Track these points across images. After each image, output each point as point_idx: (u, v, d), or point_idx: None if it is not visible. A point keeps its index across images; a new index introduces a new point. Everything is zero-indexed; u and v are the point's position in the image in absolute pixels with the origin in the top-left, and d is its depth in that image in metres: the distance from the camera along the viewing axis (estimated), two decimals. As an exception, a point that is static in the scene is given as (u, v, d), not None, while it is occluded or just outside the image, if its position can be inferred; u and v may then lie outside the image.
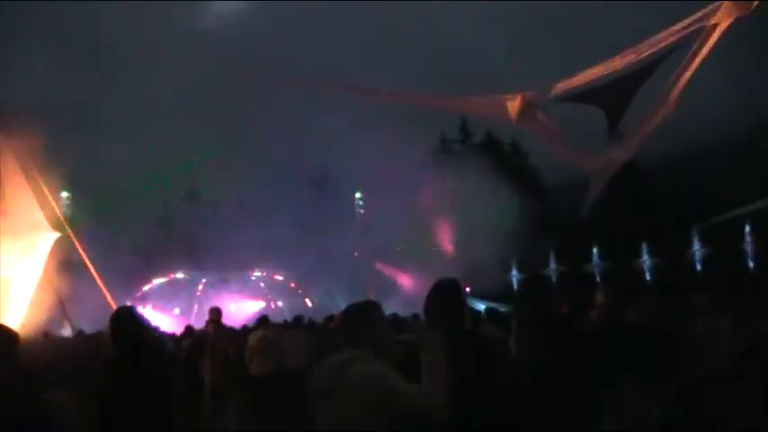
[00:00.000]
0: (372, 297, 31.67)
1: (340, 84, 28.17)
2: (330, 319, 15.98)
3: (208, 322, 11.74)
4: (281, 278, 35.82)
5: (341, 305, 26.50)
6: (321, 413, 3.86)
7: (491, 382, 4.45)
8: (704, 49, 16.76)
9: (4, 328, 5.71)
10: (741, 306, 6.92)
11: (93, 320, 18.49)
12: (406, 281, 32.16)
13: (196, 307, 32.61)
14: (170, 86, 33.86)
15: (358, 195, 38.21)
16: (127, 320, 5.50)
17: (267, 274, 36.13)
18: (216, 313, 11.75)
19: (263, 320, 14.01)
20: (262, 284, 36.09)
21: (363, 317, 4.12)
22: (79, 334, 15.62)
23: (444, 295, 4.80)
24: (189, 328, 15.76)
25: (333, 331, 12.53)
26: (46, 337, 14.04)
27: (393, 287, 31.87)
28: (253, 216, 34.45)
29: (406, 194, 31.32)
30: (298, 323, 16.32)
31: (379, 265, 34.29)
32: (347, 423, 3.66)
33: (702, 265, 34.46)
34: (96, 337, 13.12)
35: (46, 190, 16.48)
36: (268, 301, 34.89)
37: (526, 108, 18.93)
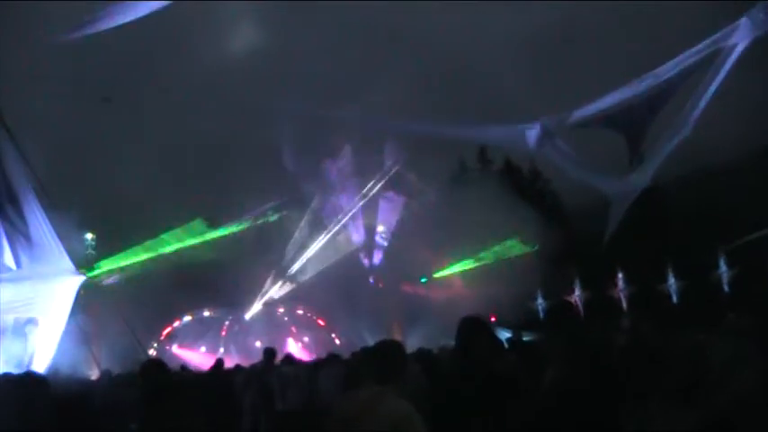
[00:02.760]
0: (398, 328, 31.80)
1: (366, 114, 28.25)
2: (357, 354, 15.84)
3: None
4: (306, 313, 35.75)
5: (367, 339, 26.50)
6: None
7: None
8: (722, 71, 16.75)
9: (34, 374, 5.77)
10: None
11: (120, 361, 18.58)
12: (435, 301, 32.03)
13: (222, 344, 32.62)
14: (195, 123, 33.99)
15: (381, 228, 38.19)
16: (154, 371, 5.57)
17: (292, 309, 36.08)
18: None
19: (286, 359, 14.05)
20: (286, 319, 36.02)
21: (392, 355, 4.22)
22: (105, 374, 15.68)
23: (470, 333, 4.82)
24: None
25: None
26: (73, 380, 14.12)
27: (421, 311, 31.68)
28: (272, 248, 34.57)
29: (428, 223, 31.34)
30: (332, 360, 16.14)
31: (406, 287, 34.26)
32: None
33: (730, 287, 34.11)
34: (122, 378, 13.19)
35: (70, 233, 16.65)
36: (294, 337, 34.80)
37: (546, 135, 18.97)
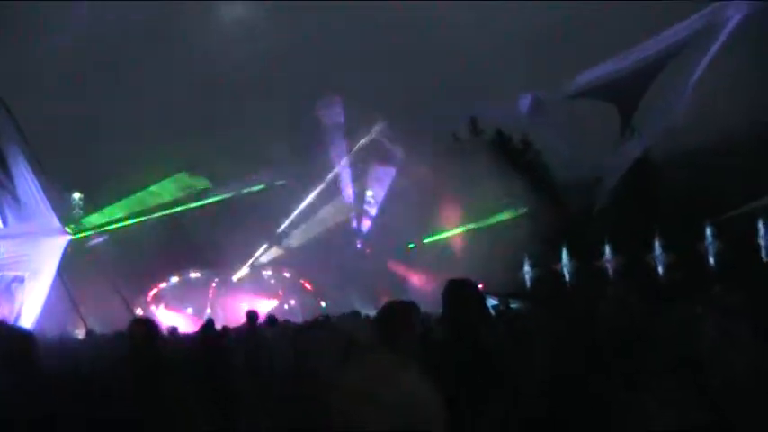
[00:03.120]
0: (386, 295, 31.87)
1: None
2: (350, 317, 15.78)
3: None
4: (293, 276, 35.78)
5: (355, 304, 26.57)
6: (348, 416, 3.62)
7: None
8: (716, 44, 16.71)
9: (19, 328, 5.73)
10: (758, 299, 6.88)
11: (106, 321, 18.57)
12: (417, 280, 32.12)
13: (209, 306, 32.67)
14: (185, 83, 33.85)
15: (369, 193, 38.11)
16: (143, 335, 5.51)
17: (279, 271, 36.11)
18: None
19: (269, 320, 13.98)
20: (273, 282, 36.07)
21: (404, 317, 3.98)
22: (89, 334, 15.69)
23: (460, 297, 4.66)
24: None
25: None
26: (61, 339, 14.11)
27: (404, 285, 31.84)
28: (263, 214, 34.51)
29: (417, 191, 31.32)
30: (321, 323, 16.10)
31: (391, 264, 34.29)
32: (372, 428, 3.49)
33: (716, 260, 34.26)
34: (110, 338, 13.16)
35: (58, 192, 16.57)
36: (281, 300, 34.86)
37: (537, 105, 18.93)
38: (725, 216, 32.05)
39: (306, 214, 34.85)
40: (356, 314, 15.05)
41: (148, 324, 5.73)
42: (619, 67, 17.49)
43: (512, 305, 16.04)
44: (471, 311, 4.61)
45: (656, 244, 36.44)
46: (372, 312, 23.94)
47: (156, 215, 28.89)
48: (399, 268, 34.20)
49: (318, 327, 14.98)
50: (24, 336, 5.17)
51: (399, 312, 4.04)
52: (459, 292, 4.69)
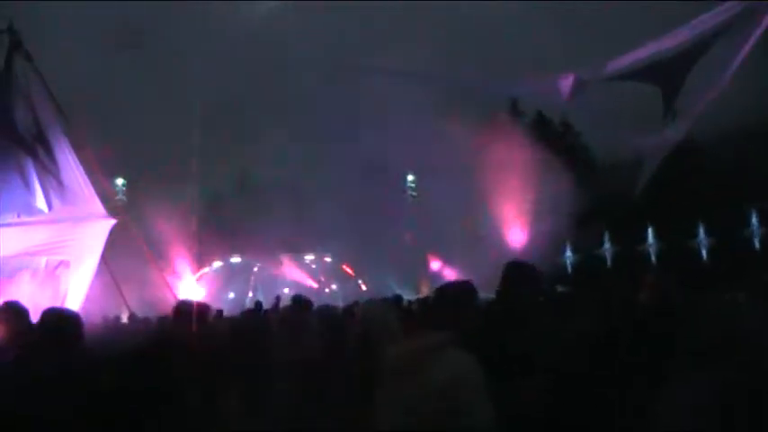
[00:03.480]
0: (426, 283, 31.87)
1: (393, 68, 28.03)
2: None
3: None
4: (333, 261, 35.95)
5: (394, 289, 26.61)
6: (388, 391, 3.68)
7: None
8: (762, 25, 16.36)
9: (67, 311, 5.83)
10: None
11: (149, 305, 18.81)
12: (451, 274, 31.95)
13: (251, 291, 32.96)
14: (224, 72, 34.05)
15: (410, 178, 38.09)
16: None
17: (320, 257, 36.31)
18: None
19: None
20: (314, 267, 36.28)
21: (459, 299, 3.96)
22: (132, 318, 15.92)
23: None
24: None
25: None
26: (105, 322, 14.32)
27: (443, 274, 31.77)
28: (305, 200, 34.65)
29: (458, 176, 31.17)
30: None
31: (430, 257, 34.22)
32: (412, 408, 3.49)
33: (761, 245, 33.81)
34: (148, 322, 13.32)
35: (101, 177, 16.75)
36: (321, 285, 35.06)
37: (579, 86, 18.69)
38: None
39: (348, 200, 34.87)
40: (385, 300, 14.94)
41: (197, 306, 5.82)
42: (662, 47, 17.18)
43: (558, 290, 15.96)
44: (526, 294, 4.59)
45: (700, 229, 36.05)
46: (412, 296, 24.08)
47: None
48: (434, 261, 34.11)
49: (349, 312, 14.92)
50: (73, 318, 5.27)
51: (453, 294, 4.04)
52: (519, 271, 4.68)
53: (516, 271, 4.70)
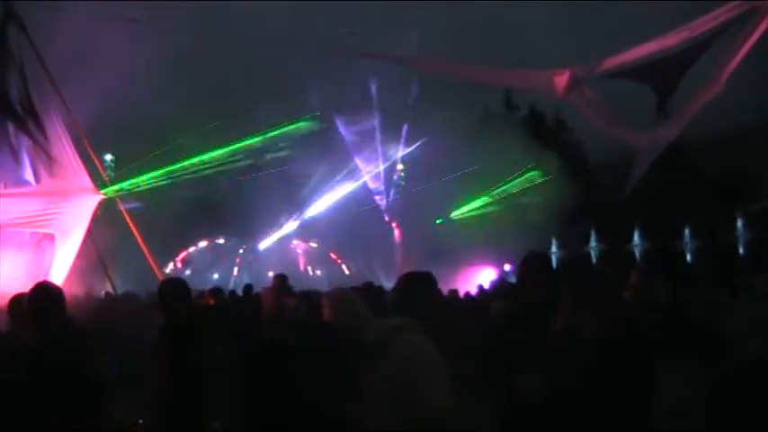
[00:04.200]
0: (410, 270, 31.92)
1: (386, 53, 27.94)
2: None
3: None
4: (319, 247, 35.96)
5: (379, 276, 26.61)
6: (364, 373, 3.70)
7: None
8: (759, 28, 16.37)
9: (51, 284, 5.79)
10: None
11: (133, 282, 18.73)
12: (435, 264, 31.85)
13: (236, 271, 32.95)
14: (220, 49, 33.86)
15: (400, 167, 38.05)
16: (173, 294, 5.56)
17: (306, 242, 36.31)
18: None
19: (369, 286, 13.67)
20: (299, 251, 36.28)
21: (421, 284, 4.05)
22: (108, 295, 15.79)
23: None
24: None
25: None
26: (88, 297, 14.26)
27: (435, 254, 31.72)
28: (292, 184, 34.60)
29: (447, 166, 31.15)
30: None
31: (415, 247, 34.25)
32: (380, 386, 3.57)
33: (745, 250, 33.95)
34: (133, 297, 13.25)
35: (91, 152, 16.64)
36: (306, 269, 35.07)
37: (574, 83, 18.66)
38: (757, 206, 31.70)
39: (334, 186, 34.78)
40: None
41: (178, 284, 5.77)
42: (660, 47, 17.18)
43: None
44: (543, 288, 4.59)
45: (686, 231, 36.20)
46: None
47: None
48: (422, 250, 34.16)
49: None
50: (57, 292, 5.25)
51: (417, 279, 4.16)
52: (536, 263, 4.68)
53: (535, 260, 4.72)
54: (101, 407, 4.72)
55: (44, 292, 5.19)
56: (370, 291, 11.75)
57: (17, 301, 5.74)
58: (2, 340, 5.40)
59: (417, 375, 3.48)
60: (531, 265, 4.69)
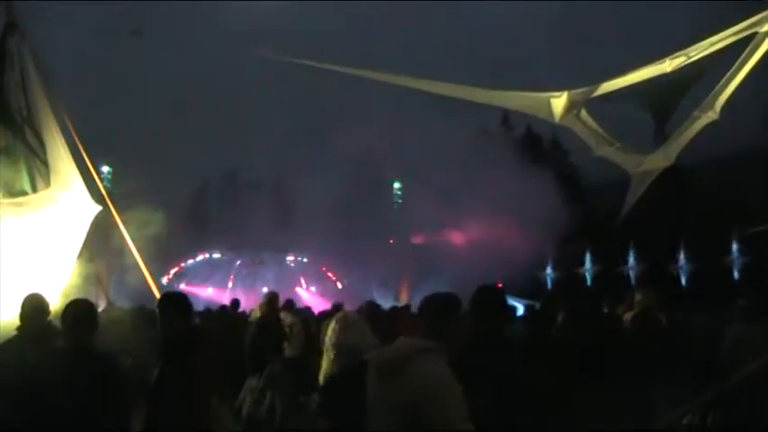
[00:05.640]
0: (406, 286, 31.91)
1: (381, 71, 28.05)
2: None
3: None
4: (315, 263, 35.96)
5: (374, 293, 26.62)
6: (374, 391, 3.75)
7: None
8: (756, 55, 16.51)
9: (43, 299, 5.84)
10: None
11: (127, 295, 18.74)
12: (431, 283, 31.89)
13: (230, 285, 32.92)
14: (215, 67, 34.08)
15: (397, 185, 38.12)
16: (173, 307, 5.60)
17: (301, 258, 36.31)
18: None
19: (287, 304, 13.87)
20: (295, 267, 36.28)
21: (445, 311, 4.01)
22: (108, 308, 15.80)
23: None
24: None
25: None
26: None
27: (430, 271, 31.74)
28: (290, 200, 34.66)
29: (444, 184, 31.19)
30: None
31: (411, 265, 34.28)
32: (393, 408, 3.56)
33: (740, 274, 33.95)
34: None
35: (89, 163, 16.64)
36: (301, 286, 35.05)
37: (571, 106, 18.79)
38: (753, 231, 31.72)
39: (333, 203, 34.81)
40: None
41: (180, 298, 5.81)
42: (658, 71, 17.30)
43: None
44: (496, 317, 4.65)
45: (681, 254, 36.21)
46: (390, 302, 24.10)
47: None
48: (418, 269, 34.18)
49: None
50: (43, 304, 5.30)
51: (442, 302, 4.09)
52: (484, 299, 4.73)
53: (486, 296, 4.78)
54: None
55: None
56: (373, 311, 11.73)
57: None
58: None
59: (436, 400, 3.50)
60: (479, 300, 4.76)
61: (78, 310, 5.08)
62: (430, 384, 3.51)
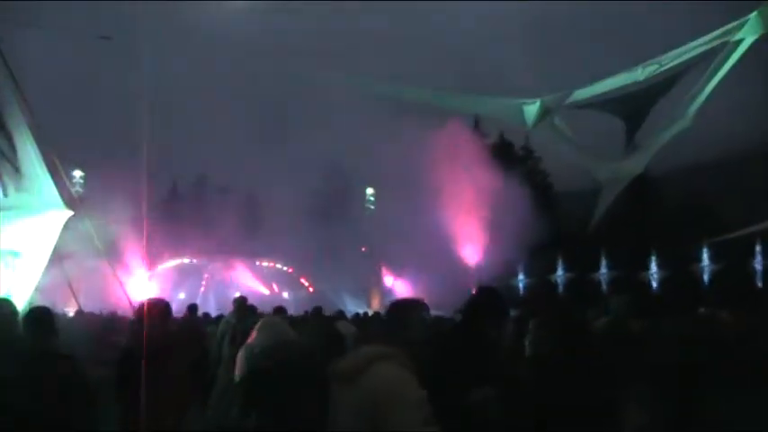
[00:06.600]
0: (377, 292, 31.90)
1: (358, 75, 28.09)
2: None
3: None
4: (286, 269, 35.89)
5: (344, 299, 26.60)
6: (335, 398, 3.66)
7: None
8: (726, 64, 16.70)
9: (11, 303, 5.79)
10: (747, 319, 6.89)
11: (97, 301, 18.57)
12: (402, 289, 31.96)
13: (202, 291, 32.73)
14: (189, 70, 33.90)
15: (369, 191, 38.11)
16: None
17: (273, 263, 36.20)
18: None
19: (278, 310, 13.83)
20: (268, 273, 36.16)
21: (406, 312, 4.05)
22: (79, 313, 15.70)
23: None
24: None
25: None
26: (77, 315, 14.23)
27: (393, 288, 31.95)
28: (261, 205, 34.55)
29: (416, 192, 31.21)
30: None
31: (383, 271, 34.34)
32: (348, 415, 3.44)
33: (710, 281, 34.26)
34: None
35: (60, 168, 16.46)
36: (273, 292, 34.93)
37: (544, 113, 18.90)
38: (723, 238, 32.05)
39: (305, 209, 34.73)
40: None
41: (164, 305, 5.82)
42: (631, 79, 17.46)
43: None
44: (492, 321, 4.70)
45: (652, 261, 36.47)
46: (363, 309, 24.11)
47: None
48: (390, 275, 34.23)
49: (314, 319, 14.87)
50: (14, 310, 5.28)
51: (401, 308, 4.15)
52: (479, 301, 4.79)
53: (486, 298, 4.85)
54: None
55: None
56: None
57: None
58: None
59: (390, 405, 3.46)
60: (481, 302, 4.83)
61: (37, 314, 5.12)
62: (384, 389, 3.48)
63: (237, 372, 5.90)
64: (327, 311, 17.61)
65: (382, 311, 18.47)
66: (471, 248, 31.70)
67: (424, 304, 4.22)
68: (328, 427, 3.74)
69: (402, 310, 4.07)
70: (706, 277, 34.48)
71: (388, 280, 34.18)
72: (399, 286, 32.67)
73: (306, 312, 18.10)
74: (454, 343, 4.58)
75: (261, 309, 15.05)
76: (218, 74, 34.42)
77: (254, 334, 5.90)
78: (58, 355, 4.95)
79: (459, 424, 3.60)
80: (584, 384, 4.31)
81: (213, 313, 19.56)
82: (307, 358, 4.15)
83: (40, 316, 5.16)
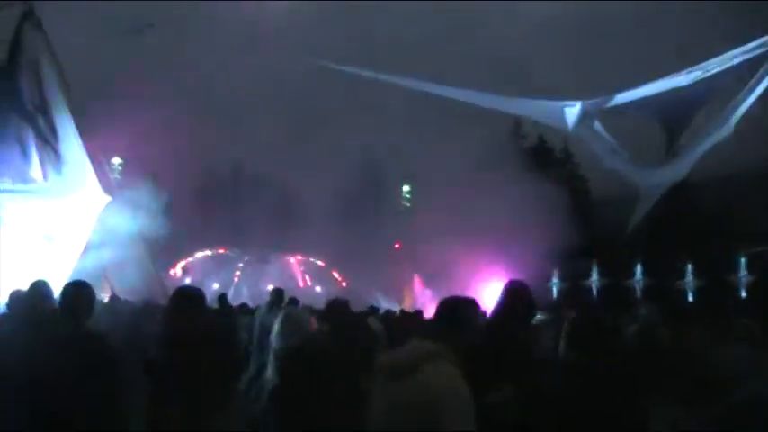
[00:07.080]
0: (408, 291, 31.81)
1: (402, 75, 28.05)
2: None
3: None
4: (320, 264, 35.93)
5: (378, 297, 26.58)
6: (382, 392, 3.70)
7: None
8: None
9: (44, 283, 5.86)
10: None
11: (131, 288, 18.72)
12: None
13: (235, 281, 32.84)
14: (229, 63, 34.08)
15: (406, 188, 38.06)
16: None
17: (307, 258, 36.27)
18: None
19: (291, 301, 13.85)
20: (301, 267, 36.22)
21: (460, 313, 3.95)
22: (114, 299, 15.79)
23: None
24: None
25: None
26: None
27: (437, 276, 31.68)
28: (295, 197, 34.61)
29: (453, 191, 31.08)
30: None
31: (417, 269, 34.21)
32: (399, 410, 3.54)
33: (747, 292, 33.79)
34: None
35: (100, 154, 16.64)
36: (305, 284, 34.96)
37: (584, 116, 18.74)
38: (762, 249, 31.61)
39: (341, 204, 34.72)
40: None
41: (198, 294, 5.79)
42: (673, 85, 17.24)
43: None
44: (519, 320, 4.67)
45: (688, 270, 36.06)
46: (395, 307, 24.07)
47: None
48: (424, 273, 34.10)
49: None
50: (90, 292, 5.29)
51: (455, 305, 4.03)
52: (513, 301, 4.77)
53: (512, 297, 4.82)
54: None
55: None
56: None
57: None
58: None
59: (444, 406, 3.46)
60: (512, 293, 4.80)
61: (78, 290, 5.11)
62: (442, 387, 3.49)
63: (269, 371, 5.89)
64: (359, 307, 17.59)
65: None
66: (507, 250, 31.51)
67: (479, 305, 4.13)
68: (364, 418, 3.77)
69: (456, 308, 3.98)
70: (742, 288, 34.05)
71: (422, 278, 34.03)
72: (433, 285, 32.53)
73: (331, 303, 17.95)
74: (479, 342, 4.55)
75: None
76: (260, 66, 34.50)
77: (276, 327, 5.99)
78: (89, 334, 4.96)
79: (478, 424, 3.57)
80: (609, 391, 4.26)
81: (251, 304, 19.50)
82: (333, 356, 4.14)
83: (79, 290, 5.13)
